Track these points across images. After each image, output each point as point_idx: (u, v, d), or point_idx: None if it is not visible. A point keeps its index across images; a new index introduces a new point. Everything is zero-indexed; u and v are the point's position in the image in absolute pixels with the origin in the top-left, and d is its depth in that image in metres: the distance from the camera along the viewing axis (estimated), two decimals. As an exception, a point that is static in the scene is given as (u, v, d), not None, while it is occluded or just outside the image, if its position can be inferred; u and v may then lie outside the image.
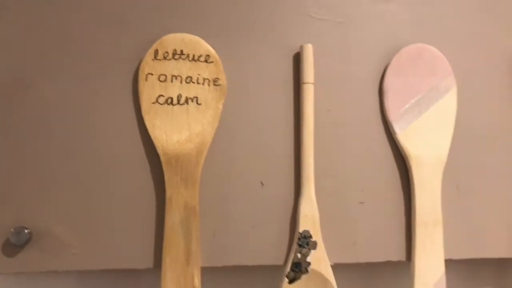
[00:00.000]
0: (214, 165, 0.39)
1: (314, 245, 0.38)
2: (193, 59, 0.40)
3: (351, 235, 0.40)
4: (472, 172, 0.42)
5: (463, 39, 0.44)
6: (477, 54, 0.44)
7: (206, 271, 0.38)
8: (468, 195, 0.42)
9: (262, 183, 0.40)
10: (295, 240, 0.38)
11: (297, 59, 0.41)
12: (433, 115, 0.42)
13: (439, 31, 0.44)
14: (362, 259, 0.40)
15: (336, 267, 0.39)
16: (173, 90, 0.39)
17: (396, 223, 0.41)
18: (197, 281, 0.37)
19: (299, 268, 0.38)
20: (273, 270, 0.39)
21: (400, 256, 0.40)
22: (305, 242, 0.38)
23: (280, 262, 0.39)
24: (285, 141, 0.40)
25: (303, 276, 0.38)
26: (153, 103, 0.39)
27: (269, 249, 0.39)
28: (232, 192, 0.39)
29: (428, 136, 0.41)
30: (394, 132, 0.41)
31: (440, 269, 0.39)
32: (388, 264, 0.41)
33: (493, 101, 0.44)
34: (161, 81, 0.39)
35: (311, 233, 0.38)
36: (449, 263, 0.41)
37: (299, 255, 0.38)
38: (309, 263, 0.38)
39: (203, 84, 0.39)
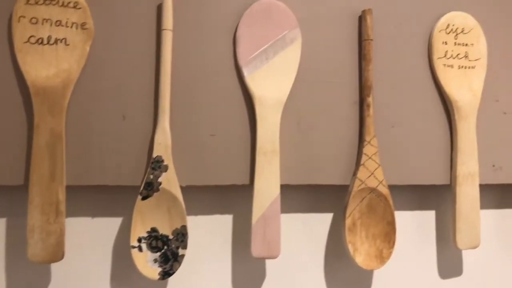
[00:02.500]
0: (81, 99, 0.45)
1: (165, 168, 0.45)
2: (63, 5, 0.45)
3: (202, 162, 0.47)
4: (313, 111, 0.50)
5: (310, -3, 0.51)
6: (322, 9, 0.51)
7: (74, 190, 0.44)
8: (307, 130, 0.50)
9: (123, 116, 0.46)
10: (150, 164, 0.45)
11: (161, 8, 0.47)
12: (278, 62, 0.49)
13: (289, -11, 0.50)
14: (211, 182, 0.47)
15: (189, 189, 0.46)
16: (44, 31, 0.44)
17: (242, 153, 0.48)
18: (61, 196, 0.43)
19: (151, 187, 0.45)
20: (132, 190, 0.46)
21: (245, 180, 0.48)
22: (158, 165, 0.45)
23: (138, 183, 0.45)
24: (146, 81, 0.46)
25: (155, 194, 0.45)
26: (24, 42, 0.44)
27: (128, 172, 0.45)
28: (97, 122, 0.45)
29: (272, 79, 0.48)
30: (243, 76, 0.48)
31: (276, 191, 0.47)
32: (234, 187, 0.48)
33: (333, 51, 0.51)
34: (32, 23, 0.44)
35: (163, 158, 0.45)
36: (293, 189, 0.49)
37: (151, 176, 0.45)
38: (160, 183, 0.45)
39: (71, 27, 0.45)
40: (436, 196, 0.56)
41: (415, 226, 0.55)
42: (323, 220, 0.53)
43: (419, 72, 0.53)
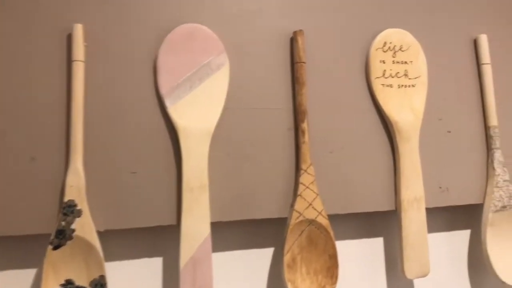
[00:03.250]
0: (-19, 141, 0.41)
1: (79, 213, 0.41)
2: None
3: (123, 203, 0.43)
4: (244, 140, 0.46)
5: (235, 19, 0.48)
6: (250, 32, 0.48)
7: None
8: (239, 161, 0.46)
9: (32, 157, 0.42)
10: (61, 209, 0.41)
11: (71, 38, 0.43)
12: (204, 90, 0.45)
13: (214, 12, 0.47)
14: (134, 225, 0.43)
15: (110, 233, 0.42)
16: None
17: (167, 190, 0.44)
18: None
19: (63, 235, 0.40)
20: (45, 239, 0.41)
21: (171, 220, 0.44)
22: (70, 210, 0.41)
23: (50, 231, 0.41)
24: (56, 117, 0.42)
25: (68, 243, 0.40)
26: None
27: (38, 219, 0.41)
28: (1, 165, 0.41)
29: (197, 109, 0.45)
30: (166, 106, 0.44)
31: (205, 230, 0.43)
32: (162, 227, 0.44)
33: (264, 75, 0.48)
34: None
35: (76, 202, 0.41)
36: (227, 225, 0.46)
37: (63, 223, 0.40)
38: (73, 230, 0.40)
39: (-33, 62, 0.41)
40: (384, 222, 0.53)
41: (362, 255, 0.52)
42: (262, 256, 0.49)
43: (357, 94, 0.50)
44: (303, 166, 0.47)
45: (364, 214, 0.51)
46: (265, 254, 0.49)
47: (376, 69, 0.51)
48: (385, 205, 0.50)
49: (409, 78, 0.52)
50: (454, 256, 0.55)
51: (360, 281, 0.51)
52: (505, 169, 0.53)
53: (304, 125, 0.47)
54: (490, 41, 0.56)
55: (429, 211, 0.54)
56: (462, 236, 0.56)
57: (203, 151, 0.44)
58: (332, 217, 0.50)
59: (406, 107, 0.51)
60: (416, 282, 0.53)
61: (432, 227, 0.54)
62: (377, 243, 0.52)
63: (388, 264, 0.52)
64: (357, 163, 0.49)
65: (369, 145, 0.50)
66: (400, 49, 0.52)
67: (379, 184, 0.50)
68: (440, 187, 0.52)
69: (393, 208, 0.50)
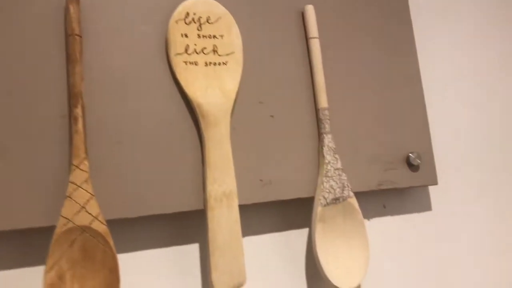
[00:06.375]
0: None
1: None
2: None
3: None
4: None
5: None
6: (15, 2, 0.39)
7: None
8: (-10, 160, 0.37)
9: None
10: None
11: None
12: None
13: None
14: None
15: None
16: None
17: None
18: None
19: None
20: None
21: None
22: None
23: None
24: None
25: None
26: None
27: None
28: None
29: None
30: None
31: None
32: None
33: (29, 51, 0.39)
34: None
35: None
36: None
37: None
38: None
39: None
40: (200, 225, 0.45)
41: (172, 266, 0.43)
42: (32, 275, 0.39)
43: (154, 74, 0.43)
44: (75, 161, 0.38)
45: (171, 216, 0.43)
46: (34, 272, 0.39)
47: (176, 44, 0.43)
48: (192, 204, 0.42)
49: (219, 55, 0.44)
50: (289, 260, 0.48)
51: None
52: (336, 156, 0.47)
53: (78, 111, 0.38)
54: (318, 13, 0.49)
55: (253, 208, 0.46)
56: (299, 236, 0.48)
57: None
58: (123, 222, 0.41)
59: (215, 88, 0.43)
60: (243, 292, 0.45)
61: (262, 227, 0.47)
62: (191, 250, 0.44)
63: (206, 275, 0.44)
64: (154, 155, 0.41)
65: (169, 133, 0.42)
66: (207, 21, 0.44)
67: (183, 179, 0.42)
68: (261, 180, 0.44)
69: (201, 207, 0.42)
